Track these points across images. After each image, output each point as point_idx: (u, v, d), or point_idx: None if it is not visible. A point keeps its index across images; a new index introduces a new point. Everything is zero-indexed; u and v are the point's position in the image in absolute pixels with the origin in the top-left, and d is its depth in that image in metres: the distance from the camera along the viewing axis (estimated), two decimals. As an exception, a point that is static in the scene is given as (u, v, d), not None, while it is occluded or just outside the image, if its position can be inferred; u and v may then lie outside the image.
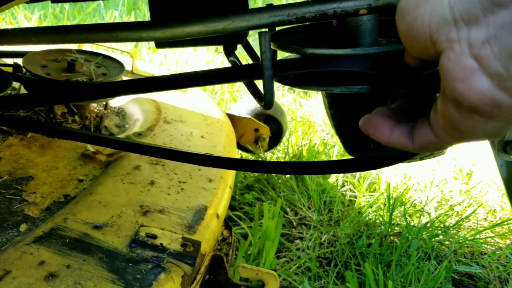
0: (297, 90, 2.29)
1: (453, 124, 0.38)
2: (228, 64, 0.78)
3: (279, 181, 1.45)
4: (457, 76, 0.35)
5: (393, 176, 1.57)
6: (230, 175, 1.04)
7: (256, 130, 1.44)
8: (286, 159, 1.60)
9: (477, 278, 1.18)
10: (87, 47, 1.61)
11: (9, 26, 2.29)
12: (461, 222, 1.36)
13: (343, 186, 1.53)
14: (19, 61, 1.15)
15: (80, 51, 1.28)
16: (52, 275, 0.65)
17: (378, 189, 1.50)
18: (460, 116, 0.37)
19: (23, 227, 0.77)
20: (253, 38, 2.79)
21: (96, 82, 1.12)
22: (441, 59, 0.36)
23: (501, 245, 1.32)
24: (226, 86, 2.12)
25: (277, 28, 0.69)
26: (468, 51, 0.33)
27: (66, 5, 3.12)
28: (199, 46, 0.81)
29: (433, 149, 0.44)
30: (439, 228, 1.33)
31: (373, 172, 1.57)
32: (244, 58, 2.27)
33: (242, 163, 0.74)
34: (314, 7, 0.57)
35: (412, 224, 1.34)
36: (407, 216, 1.36)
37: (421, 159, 1.34)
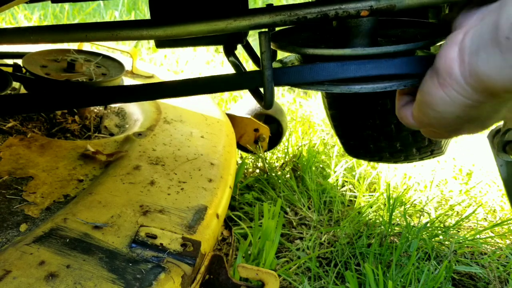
0: (297, 90, 2.29)
1: (422, 86, 0.52)
2: (228, 64, 0.78)
3: (279, 181, 1.45)
4: (446, 44, 0.48)
5: (393, 176, 1.57)
6: (230, 175, 1.04)
7: (256, 130, 1.44)
8: (286, 159, 1.60)
9: (477, 278, 1.18)
10: (87, 47, 1.60)
11: (9, 26, 2.28)
12: (461, 222, 1.36)
13: (343, 186, 1.53)
14: (19, 61, 1.15)
15: (80, 51, 1.28)
16: (52, 275, 0.65)
17: (378, 189, 1.50)
18: (428, 77, 0.50)
19: (23, 227, 0.77)
20: (253, 38, 2.79)
21: (97, 84, 1.12)
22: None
23: (501, 245, 1.32)
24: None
25: (277, 29, 0.69)
26: (464, 30, 0.46)
27: (66, 5, 3.12)
28: (199, 45, 0.81)
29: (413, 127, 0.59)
30: (439, 228, 1.33)
31: (373, 172, 1.57)
32: (244, 58, 2.27)
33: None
34: (315, 8, 0.57)
35: (412, 224, 1.34)
36: (407, 216, 1.36)
37: (421, 159, 1.34)
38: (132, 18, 3.18)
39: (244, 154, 1.55)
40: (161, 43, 0.76)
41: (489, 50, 0.43)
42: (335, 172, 1.55)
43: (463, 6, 0.51)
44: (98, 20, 3.13)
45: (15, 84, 1.19)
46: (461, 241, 1.29)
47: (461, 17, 0.50)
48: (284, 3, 3.15)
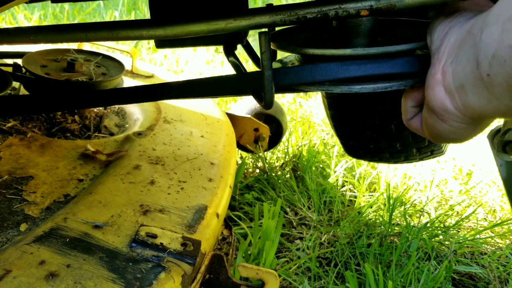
0: (297, 90, 2.28)
1: (425, 120, 0.56)
2: (228, 64, 0.78)
3: (279, 181, 1.45)
4: (429, 85, 0.51)
5: (393, 176, 1.57)
6: (230, 174, 1.04)
7: (256, 129, 1.44)
8: (286, 159, 1.60)
9: (477, 278, 1.18)
10: (86, 47, 1.61)
11: (9, 26, 2.28)
12: (461, 222, 1.36)
13: (343, 186, 1.53)
14: (19, 61, 1.15)
15: (79, 51, 1.28)
16: (52, 275, 0.65)
17: (378, 189, 1.50)
18: (427, 115, 0.54)
19: (23, 227, 0.77)
20: (253, 38, 2.79)
21: (97, 83, 1.12)
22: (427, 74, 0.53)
23: (501, 245, 1.32)
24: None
25: (277, 29, 0.69)
26: (441, 70, 0.50)
27: (66, 5, 3.12)
28: (199, 45, 0.82)
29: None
30: (439, 228, 1.33)
31: (373, 172, 1.57)
32: (244, 58, 2.27)
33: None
34: (315, 8, 0.57)
35: (412, 224, 1.34)
36: (407, 216, 1.36)
37: (421, 159, 1.34)
38: (132, 18, 3.18)
39: (244, 154, 1.55)
40: (161, 43, 0.76)
41: (475, 85, 0.45)
42: (335, 172, 1.55)
43: (436, 16, 0.53)
44: (98, 20, 3.13)
45: (15, 84, 1.19)
46: (461, 241, 1.29)
47: (435, 34, 0.52)
48: (284, 3, 3.14)
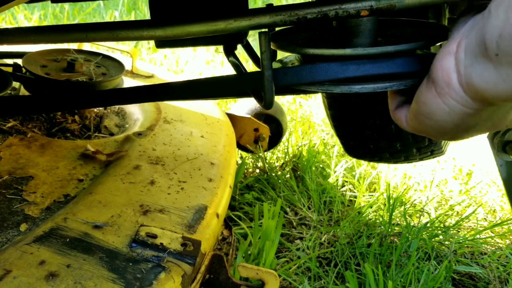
0: (297, 90, 2.28)
1: (418, 96, 0.52)
2: (228, 64, 0.78)
3: (279, 181, 1.45)
4: (440, 54, 0.49)
5: (393, 176, 1.57)
6: (230, 175, 1.04)
7: (256, 129, 1.44)
8: (286, 159, 1.60)
9: (477, 278, 1.18)
10: (86, 47, 1.61)
11: (9, 26, 2.29)
12: (461, 222, 1.36)
13: (343, 186, 1.53)
14: (19, 61, 1.15)
15: (79, 51, 1.28)
16: (52, 275, 0.65)
17: (378, 189, 1.50)
18: (425, 88, 0.51)
19: (23, 227, 0.77)
20: (253, 38, 2.79)
21: (97, 83, 1.12)
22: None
23: (501, 245, 1.32)
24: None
25: (277, 29, 0.69)
26: (457, 41, 0.47)
27: (66, 5, 3.12)
28: (199, 45, 0.82)
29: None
30: (439, 228, 1.33)
31: (373, 172, 1.57)
32: (244, 58, 2.27)
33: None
34: (315, 8, 0.57)
35: (412, 224, 1.34)
36: (407, 216, 1.36)
37: (421, 159, 1.34)
38: (132, 18, 3.18)
39: (244, 154, 1.55)
40: (161, 43, 0.76)
41: (482, 64, 0.44)
42: (335, 172, 1.55)
43: (463, 12, 0.52)
44: (98, 20, 3.13)
45: (15, 84, 1.19)
46: (461, 241, 1.29)
47: (459, 24, 0.51)
48: (284, 3, 3.15)
